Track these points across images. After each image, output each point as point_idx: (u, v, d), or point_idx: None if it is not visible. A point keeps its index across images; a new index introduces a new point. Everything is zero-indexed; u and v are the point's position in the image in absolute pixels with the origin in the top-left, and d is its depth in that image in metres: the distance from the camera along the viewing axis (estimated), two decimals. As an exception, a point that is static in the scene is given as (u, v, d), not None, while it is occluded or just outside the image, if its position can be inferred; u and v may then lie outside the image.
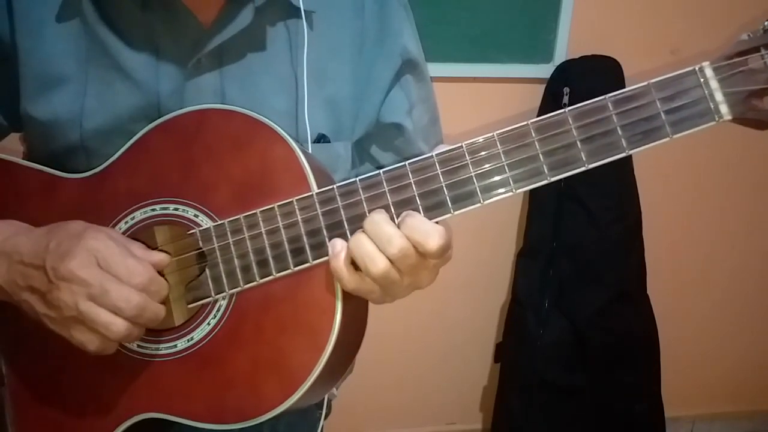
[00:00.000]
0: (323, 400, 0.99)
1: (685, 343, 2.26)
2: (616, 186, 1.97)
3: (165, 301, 0.77)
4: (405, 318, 2.10)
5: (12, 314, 0.78)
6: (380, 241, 0.68)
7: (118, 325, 0.71)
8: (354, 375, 0.95)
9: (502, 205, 0.70)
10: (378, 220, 0.68)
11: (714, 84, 0.66)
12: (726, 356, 2.37)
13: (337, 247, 0.70)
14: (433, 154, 0.70)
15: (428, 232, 0.67)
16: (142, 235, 0.80)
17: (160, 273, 0.76)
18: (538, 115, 0.68)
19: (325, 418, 1.01)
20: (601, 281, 2.00)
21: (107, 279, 0.71)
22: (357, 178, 0.72)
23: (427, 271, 0.72)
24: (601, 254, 1.99)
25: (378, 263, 0.68)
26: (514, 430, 2.12)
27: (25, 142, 0.95)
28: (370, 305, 0.80)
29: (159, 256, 0.76)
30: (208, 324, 0.77)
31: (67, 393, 0.83)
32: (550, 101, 1.94)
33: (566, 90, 1.89)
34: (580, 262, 1.99)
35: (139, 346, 0.79)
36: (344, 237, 0.72)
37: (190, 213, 0.78)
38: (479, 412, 2.34)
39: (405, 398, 2.26)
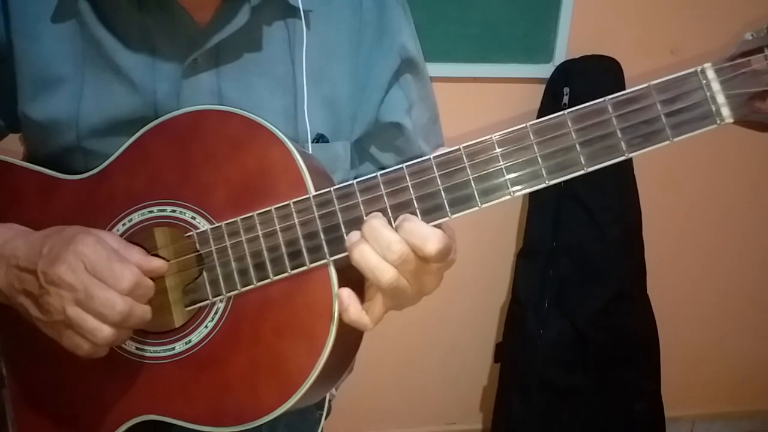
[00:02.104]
0: (323, 400, 0.99)
1: (685, 343, 2.26)
2: (616, 186, 1.97)
3: (164, 305, 0.77)
4: (405, 318, 2.08)
5: (12, 316, 0.78)
6: (379, 246, 0.67)
7: (104, 331, 0.71)
8: (354, 375, 0.95)
9: (501, 206, 0.70)
10: (376, 225, 0.67)
11: (716, 86, 0.65)
12: (726, 356, 2.37)
13: (344, 296, 0.70)
14: (431, 156, 0.69)
15: (426, 236, 0.66)
16: (140, 236, 0.80)
17: (160, 277, 0.76)
18: (538, 116, 0.68)
19: (325, 418, 1.00)
20: (601, 281, 2.00)
21: (93, 284, 0.70)
22: (354, 181, 0.71)
23: (431, 275, 0.71)
24: (601, 254, 1.99)
25: (387, 273, 0.67)
26: (514, 430, 2.12)
27: (24, 143, 0.95)
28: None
29: (157, 263, 0.76)
30: (206, 327, 0.77)
31: (67, 395, 0.83)
32: (550, 101, 1.93)
33: (566, 90, 1.89)
34: (580, 262, 1.99)
35: (137, 348, 0.79)
36: (341, 240, 0.71)
37: (188, 215, 0.78)
38: (479, 412, 2.34)
39: (405, 398, 2.26)
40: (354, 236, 0.68)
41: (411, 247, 0.66)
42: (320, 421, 0.99)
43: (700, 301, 2.29)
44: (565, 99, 1.88)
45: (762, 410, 2.45)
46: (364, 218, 0.70)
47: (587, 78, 1.89)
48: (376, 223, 0.68)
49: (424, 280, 0.71)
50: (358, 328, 0.71)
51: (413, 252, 0.67)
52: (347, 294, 0.70)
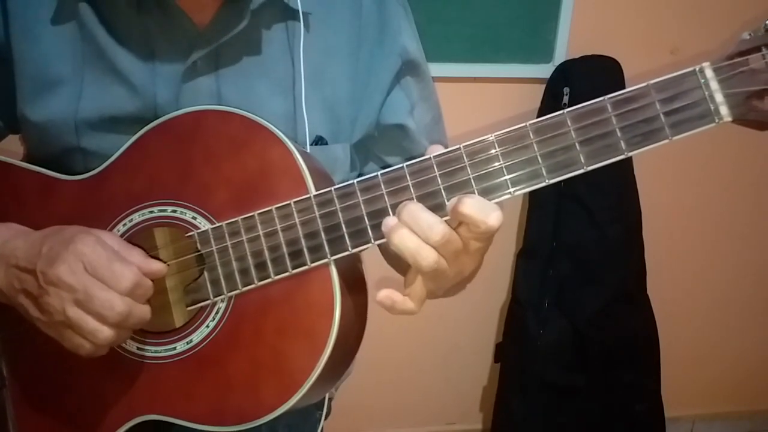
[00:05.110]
0: (323, 400, 0.99)
1: (685, 343, 2.26)
2: (616, 186, 1.97)
3: (164, 305, 0.77)
4: (405, 318, 2.09)
5: (12, 316, 0.78)
6: (420, 229, 0.66)
7: (104, 332, 0.71)
8: (354, 375, 0.95)
9: (501, 205, 0.70)
10: (415, 209, 0.67)
11: (714, 85, 0.66)
12: (726, 356, 2.37)
13: (384, 296, 0.70)
14: (431, 156, 0.70)
15: (490, 209, 0.65)
16: (140, 237, 0.80)
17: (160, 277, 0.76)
18: (538, 116, 0.68)
19: (325, 418, 1.01)
20: (601, 281, 2.00)
21: (92, 284, 0.71)
22: (355, 181, 0.71)
23: (469, 256, 0.70)
24: (601, 254, 1.99)
25: (429, 256, 0.66)
26: (514, 430, 2.12)
27: (24, 144, 0.95)
28: (370, 305, 0.80)
29: (157, 266, 0.76)
30: (207, 326, 0.77)
31: (68, 395, 0.83)
32: (550, 101, 1.93)
33: (566, 90, 1.89)
34: (580, 262, 1.99)
35: (138, 348, 0.79)
36: (342, 240, 0.71)
37: (188, 215, 0.78)
38: (479, 412, 2.34)
39: (405, 398, 2.26)
40: (391, 221, 0.67)
41: (470, 223, 0.66)
42: (320, 421, 0.99)
43: (700, 301, 2.29)
44: (565, 99, 1.88)
45: (762, 410, 2.45)
46: (365, 218, 0.71)
47: (587, 78, 1.89)
48: (414, 207, 0.67)
49: (464, 261, 0.70)
50: (405, 314, 0.71)
51: (469, 228, 0.66)
52: (385, 294, 0.70)
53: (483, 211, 0.65)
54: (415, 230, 0.66)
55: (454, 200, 0.67)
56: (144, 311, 0.74)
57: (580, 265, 1.99)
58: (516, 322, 2.10)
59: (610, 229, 1.97)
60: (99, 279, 0.71)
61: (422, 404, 2.29)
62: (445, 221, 0.67)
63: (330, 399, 1.04)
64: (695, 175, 2.14)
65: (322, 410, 1.00)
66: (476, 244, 0.69)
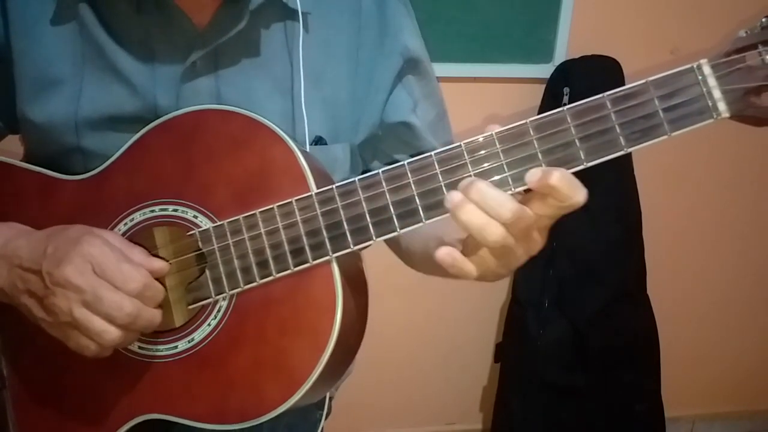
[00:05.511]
0: (323, 400, 0.99)
1: (685, 343, 2.26)
2: (616, 186, 1.97)
3: (165, 304, 0.77)
4: (405, 318, 2.09)
5: (13, 316, 0.78)
6: (489, 206, 0.64)
7: (111, 333, 0.71)
8: (354, 375, 0.95)
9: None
10: (483, 186, 0.65)
11: (712, 81, 0.66)
12: (726, 356, 2.37)
13: (444, 252, 0.67)
14: (432, 153, 0.70)
15: (577, 185, 0.64)
16: (141, 236, 0.80)
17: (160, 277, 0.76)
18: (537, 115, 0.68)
19: (325, 418, 1.01)
20: (601, 281, 2.00)
21: (101, 286, 0.71)
22: (356, 178, 0.71)
23: (539, 232, 0.69)
24: (601, 254, 1.99)
25: (495, 232, 0.64)
26: (514, 430, 2.12)
27: (24, 144, 0.95)
28: (370, 304, 0.80)
29: (159, 264, 0.76)
30: (209, 325, 0.77)
31: (69, 395, 0.83)
32: (550, 101, 1.94)
33: (566, 90, 1.89)
34: (580, 262, 1.99)
35: (140, 347, 0.79)
36: (343, 237, 0.72)
37: (190, 214, 0.78)
38: (479, 412, 2.34)
39: (405, 398, 2.26)
40: (456, 197, 0.65)
41: (557, 197, 0.64)
42: (320, 421, 1.00)
43: (700, 301, 2.29)
44: (565, 99, 1.88)
45: (762, 410, 2.45)
46: (366, 215, 0.71)
47: (587, 78, 1.89)
48: (482, 184, 0.65)
49: (533, 237, 0.69)
50: (462, 276, 0.69)
51: (550, 203, 0.65)
52: (446, 251, 0.67)
53: (572, 185, 0.64)
54: (482, 206, 0.65)
55: (538, 171, 0.65)
56: (153, 315, 0.74)
57: (580, 265, 1.99)
58: (516, 322, 2.10)
59: (610, 229, 1.97)
60: (107, 280, 0.71)
61: (422, 404, 2.29)
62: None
63: (330, 398, 1.04)
64: (695, 175, 2.15)
65: (322, 410, 1.00)
66: (546, 221, 0.67)
